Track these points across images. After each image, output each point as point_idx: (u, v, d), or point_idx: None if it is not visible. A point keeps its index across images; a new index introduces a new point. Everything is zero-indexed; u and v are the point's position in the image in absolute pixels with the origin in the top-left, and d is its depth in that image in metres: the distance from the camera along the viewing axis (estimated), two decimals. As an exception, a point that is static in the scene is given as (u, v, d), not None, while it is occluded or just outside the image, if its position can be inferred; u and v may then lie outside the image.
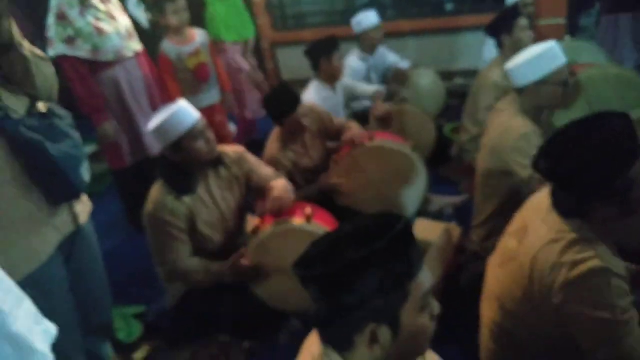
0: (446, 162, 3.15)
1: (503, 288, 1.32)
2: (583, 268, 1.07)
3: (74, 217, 1.54)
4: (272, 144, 2.41)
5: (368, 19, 3.30)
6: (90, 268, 1.67)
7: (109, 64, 2.54)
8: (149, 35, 2.82)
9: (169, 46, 2.94)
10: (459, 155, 3.12)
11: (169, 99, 2.91)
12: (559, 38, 3.43)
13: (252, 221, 2.24)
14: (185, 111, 1.81)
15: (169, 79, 2.95)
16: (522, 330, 1.28)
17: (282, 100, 2.30)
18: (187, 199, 1.86)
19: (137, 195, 2.80)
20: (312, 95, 2.81)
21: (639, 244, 1.32)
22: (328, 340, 0.88)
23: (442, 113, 3.64)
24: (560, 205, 1.18)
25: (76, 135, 1.49)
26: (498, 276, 1.36)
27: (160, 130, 1.78)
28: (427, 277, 0.86)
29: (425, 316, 0.86)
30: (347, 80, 3.08)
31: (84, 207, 1.61)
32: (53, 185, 1.42)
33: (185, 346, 1.99)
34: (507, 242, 1.36)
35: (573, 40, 3.23)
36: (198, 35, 3.05)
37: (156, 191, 1.87)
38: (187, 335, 2.02)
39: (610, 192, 1.08)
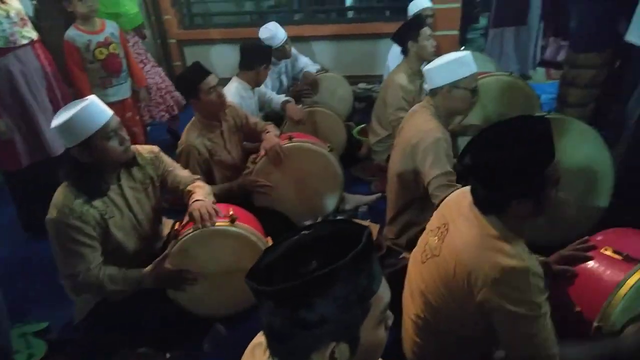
0: (356, 162, 3.29)
1: (427, 284, 1.39)
2: (504, 266, 1.15)
3: None
4: (188, 132, 2.36)
5: (277, 36, 3.32)
6: None
7: (-2, 52, 2.27)
8: (34, 26, 2.56)
9: (76, 33, 2.74)
10: (368, 156, 3.28)
11: (76, 92, 2.71)
12: (454, 48, 3.77)
13: (167, 224, 2.17)
14: (96, 107, 1.66)
15: (77, 69, 2.73)
16: (446, 324, 1.36)
17: (193, 72, 2.32)
18: (97, 203, 1.72)
19: (33, 199, 2.58)
20: (232, 92, 2.80)
21: (546, 240, 1.49)
22: (279, 354, 0.83)
23: (350, 115, 3.81)
24: (480, 202, 1.27)
25: None
26: (421, 272, 1.43)
27: (67, 127, 1.60)
28: (386, 290, 0.83)
29: (382, 329, 0.84)
30: (261, 86, 3.10)
31: None
32: None
33: (98, 361, 1.85)
34: (428, 239, 1.43)
35: (466, 51, 3.55)
36: (108, 25, 2.88)
37: (61, 195, 1.69)
38: (100, 350, 1.87)
39: (527, 190, 1.19)
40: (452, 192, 1.55)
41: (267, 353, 0.87)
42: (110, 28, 2.89)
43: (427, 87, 2.14)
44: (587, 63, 2.65)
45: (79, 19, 2.75)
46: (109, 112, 1.70)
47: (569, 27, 2.81)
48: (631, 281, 1.27)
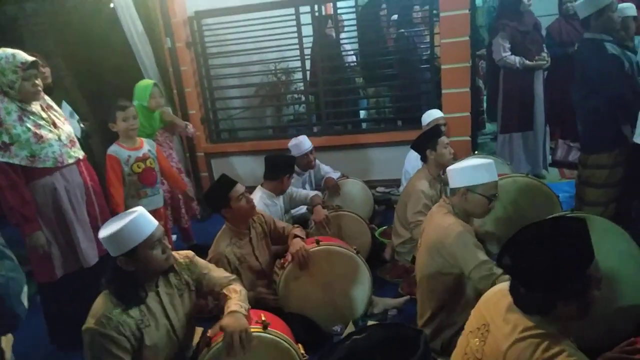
0: (381, 264, 3.30)
1: None
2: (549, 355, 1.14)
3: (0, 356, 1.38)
4: (219, 241, 2.45)
5: (304, 144, 3.66)
6: None
7: (46, 171, 2.46)
8: (81, 145, 2.82)
9: (118, 149, 3.00)
10: (392, 257, 3.29)
11: (109, 199, 2.90)
12: (467, 152, 3.97)
13: (198, 332, 2.16)
14: (144, 218, 1.77)
15: (115, 179, 2.95)
16: None
17: (222, 183, 2.48)
18: (134, 312, 1.76)
19: (62, 311, 2.60)
20: (257, 201, 2.92)
21: (586, 342, 1.45)
22: None
23: (371, 218, 3.90)
24: (522, 302, 1.28)
25: (11, 254, 1.34)
26: None
27: (116, 236, 1.70)
28: None
29: None
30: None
31: (7, 341, 1.45)
32: None
33: None
34: (469, 340, 1.41)
35: (480, 155, 3.74)
36: (146, 143, 3.15)
37: (101, 303, 1.74)
38: None
39: (570, 291, 1.20)
40: (494, 283, 1.54)
41: None
42: (148, 146, 3.15)
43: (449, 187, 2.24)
44: (598, 163, 2.76)
45: (121, 137, 3.03)
46: (155, 223, 1.81)
47: (576, 130, 2.97)
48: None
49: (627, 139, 2.61)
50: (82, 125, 3.20)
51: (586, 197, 2.91)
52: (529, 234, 1.28)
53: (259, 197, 3.01)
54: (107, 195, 2.90)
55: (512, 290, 1.31)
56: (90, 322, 1.70)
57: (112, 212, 2.79)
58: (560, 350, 1.16)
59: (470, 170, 2.06)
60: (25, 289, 1.33)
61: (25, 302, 1.32)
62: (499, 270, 1.82)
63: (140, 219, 1.76)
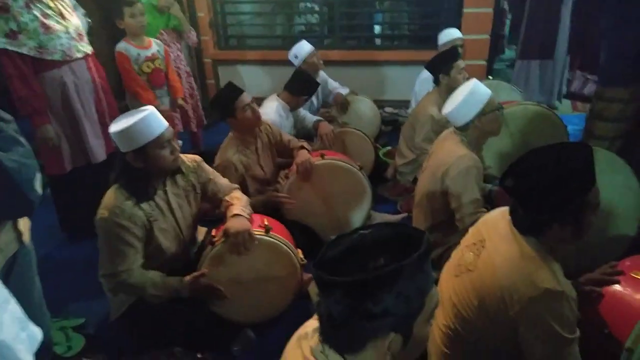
0: (382, 182, 3.36)
1: (460, 297, 1.42)
2: (541, 286, 1.19)
3: (18, 236, 1.42)
4: (226, 148, 2.46)
5: (302, 48, 3.51)
6: (28, 285, 1.54)
7: (55, 64, 2.42)
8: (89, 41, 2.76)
9: (126, 46, 2.94)
10: (394, 177, 3.34)
11: (134, 93, 2.93)
12: (481, 77, 3.86)
13: (201, 231, 2.25)
14: (154, 117, 1.78)
15: (133, 73, 2.93)
16: (476, 335, 1.39)
17: (228, 92, 2.44)
18: (145, 206, 1.82)
19: (73, 203, 2.70)
20: (273, 110, 2.94)
21: (575, 266, 1.51)
22: (333, 340, 0.89)
23: (377, 137, 3.90)
24: (520, 223, 1.31)
25: (25, 141, 1.35)
26: (454, 285, 1.47)
27: (127, 133, 1.72)
28: (436, 290, 0.92)
29: (429, 325, 0.93)
30: None
31: (25, 223, 1.47)
32: (5, 200, 1.26)
33: (132, 359, 1.91)
34: (464, 254, 1.48)
35: (493, 81, 3.65)
36: (154, 43, 3.08)
37: (112, 196, 1.80)
38: (134, 348, 1.94)
39: (568, 214, 1.23)
40: (479, 217, 1.60)
41: (315, 340, 0.93)
42: (156, 46, 3.08)
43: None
44: (614, 97, 2.69)
45: (129, 35, 2.95)
46: (165, 123, 1.82)
47: (598, 61, 2.87)
48: (661, 304, 1.30)
49: (647, 74, 2.53)
50: (88, 19, 3.08)
51: (596, 131, 2.87)
52: (534, 157, 1.30)
53: (275, 106, 2.98)
54: (132, 94, 2.89)
55: (512, 211, 1.35)
56: (104, 213, 1.77)
57: None
58: (549, 277, 1.21)
59: (467, 101, 2.04)
60: (39, 176, 1.36)
61: (39, 189, 1.35)
62: (485, 211, 1.87)
63: (152, 117, 1.77)
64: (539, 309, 1.20)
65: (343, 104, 3.71)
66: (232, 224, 1.87)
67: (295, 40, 3.68)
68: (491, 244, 1.37)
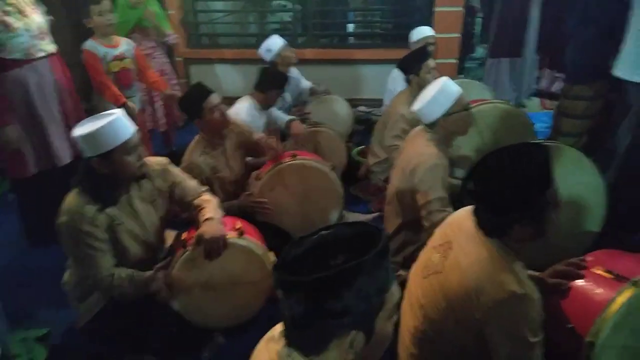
0: (355, 182, 3.37)
1: (427, 298, 1.43)
2: (506, 290, 1.21)
3: None
4: (192, 150, 2.42)
5: (276, 42, 3.48)
6: None
7: (16, 63, 2.34)
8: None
9: (94, 45, 2.87)
10: (366, 176, 3.35)
11: (105, 93, 2.86)
12: (452, 76, 3.90)
13: (169, 235, 2.21)
14: (122, 122, 1.72)
15: (101, 72, 2.85)
16: (443, 338, 1.41)
17: (196, 92, 2.40)
18: (108, 210, 1.78)
19: (37, 208, 2.62)
20: (245, 109, 2.90)
21: (541, 263, 1.55)
22: (297, 342, 0.90)
23: (350, 137, 3.91)
24: (483, 224, 1.33)
25: None
26: (422, 286, 1.48)
27: (92, 137, 1.66)
28: (397, 287, 0.93)
29: (391, 322, 0.93)
30: None
31: None
32: None
33: (99, 367, 1.87)
34: (431, 255, 1.48)
35: (464, 79, 3.70)
36: (123, 42, 3.01)
37: (72, 201, 1.74)
38: (102, 356, 1.90)
39: (528, 214, 1.25)
40: (445, 216, 1.61)
41: (282, 343, 0.92)
42: (125, 45, 3.01)
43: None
44: (580, 94, 2.77)
45: (97, 33, 2.87)
46: (132, 128, 1.77)
47: (565, 60, 2.94)
48: (622, 299, 1.32)
49: (610, 72, 2.60)
50: (50, 18, 2.99)
51: (563, 128, 2.95)
52: (492, 159, 1.31)
53: (247, 106, 2.95)
54: (99, 93, 2.82)
55: (475, 212, 1.37)
56: (63, 218, 1.72)
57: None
58: (513, 280, 1.22)
59: (436, 99, 2.07)
60: None
61: None
62: (450, 210, 1.89)
63: (119, 122, 1.71)
64: (504, 312, 1.22)
65: (324, 91, 3.71)
66: (207, 229, 1.83)
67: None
68: (457, 246, 1.38)
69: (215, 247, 1.81)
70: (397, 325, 1.56)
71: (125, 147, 1.72)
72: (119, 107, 2.75)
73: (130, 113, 2.87)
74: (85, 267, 1.75)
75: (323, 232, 0.92)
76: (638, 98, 2.28)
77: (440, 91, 2.07)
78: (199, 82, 2.46)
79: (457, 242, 1.39)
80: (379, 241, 0.87)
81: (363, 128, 4.24)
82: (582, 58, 2.72)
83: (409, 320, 1.54)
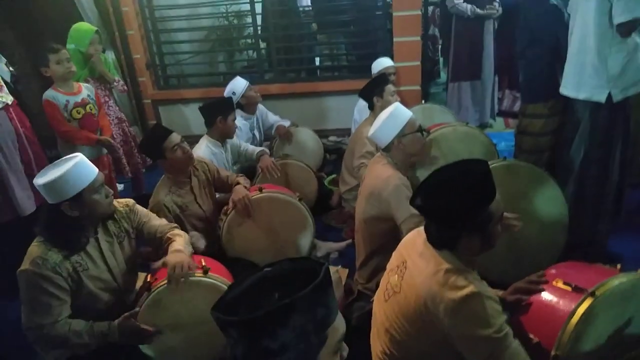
0: (328, 210, 3.38)
1: (391, 321, 1.44)
2: (461, 294, 1.24)
3: None
4: (158, 190, 2.41)
5: (239, 84, 3.54)
6: None
7: (-27, 117, 2.33)
8: (11, 90, 2.67)
9: (54, 94, 2.86)
10: (339, 204, 3.38)
11: (73, 136, 2.85)
12: (417, 102, 4.01)
13: (141, 277, 2.17)
14: (85, 163, 1.76)
15: (62, 122, 2.84)
16: (412, 357, 1.41)
17: (155, 134, 2.41)
18: (73, 257, 1.76)
19: (2, 259, 2.54)
20: (203, 149, 2.89)
21: (513, 277, 1.58)
22: None
23: (322, 167, 3.94)
24: (433, 238, 1.38)
25: None
26: (385, 310, 1.49)
27: (60, 182, 1.67)
28: (341, 322, 0.91)
29: (337, 358, 0.91)
30: (234, 139, 3.21)
31: None
32: None
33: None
34: (389, 278, 1.51)
35: (427, 104, 3.80)
36: (84, 88, 3.03)
37: (36, 248, 1.73)
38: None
39: (473, 226, 1.30)
40: None
41: None
42: (87, 90, 3.02)
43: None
44: (535, 112, 2.87)
45: (57, 82, 2.87)
46: (95, 169, 1.80)
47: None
48: (581, 310, 1.35)
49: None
50: (10, 69, 2.99)
51: (523, 146, 3.04)
52: (438, 176, 1.37)
53: (204, 145, 2.96)
54: (64, 140, 2.80)
55: (426, 228, 1.41)
56: (25, 264, 1.70)
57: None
58: (465, 283, 1.26)
59: (387, 123, 2.14)
60: None
61: None
62: None
63: (83, 164, 1.75)
64: (463, 314, 1.24)
65: (286, 135, 3.74)
66: (171, 258, 1.82)
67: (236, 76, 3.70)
68: (411, 263, 1.41)
69: (178, 274, 1.78)
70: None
71: (93, 187, 1.76)
72: (95, 145, 2.75)
73: (107, 145, 2.87)
74: (41, 316, 1.70)
75: (266, 269, 0.91)
76: (585, 114, 2.37)
77: (391, 116, 2.14)
78: (157, 124, 2.49)
79: (410, 260, 1.42)
80: (318, 275, 0.85)
81: (335, 158, 4.29)
82: (532, 78, 2.83)
83: (377, 345, 1.54)
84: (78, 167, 1.72)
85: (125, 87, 3.72)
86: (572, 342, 1.34)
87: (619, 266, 1.53)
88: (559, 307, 1.41)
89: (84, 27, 3.37)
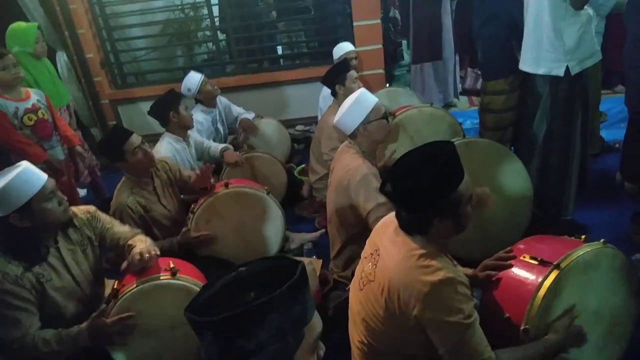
0: (299, 201, 3.35)
1: (366, 309, 1.44)
2: (432, 281, 1.24)
3: None
4: (119, 192, 2.34)
5: (193, 79, 3.45)
6: None
7: None
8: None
9: (2, 102, 2.72)
10: (310, 194, 3.35)
11: (24, 150, 2.72)
12: (381, 85, 4.00)
13: (109, 285, 2.10)
14: (30, 171, 1.68)
15: (12, 131, 2.70)
16: (389, 345, 1.40)
17: (114, 136, 2.34)
18: (34, 269, 1.70)
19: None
20: (165, 147, 2.82)
21: (481, 255, 1.60)
22: None
23: (290, 157, 3.90)
24: (404, 224, 1.37)
25: None
26: (360, 299, 1.48)
27: (3, 194, 1.60)
28: (318, 321, 0.89)
29: (314, 357, 0.89)
30: (197, 135, 3.13)
31: None
32: None
33: None
34: (363, 266, 1.50)
35: (391, 88, 3.80)
36: (33, 92, 2.89)
37: None
38: None
39: (444, 209, 1.29)
40: None
41: None
42: (36, 95, 2.89)
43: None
44: (496, 89, 2.89)
45: (3, 89, 2.73)
46: (44, 175, 1.72)
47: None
48: (547, 283, 1.37)
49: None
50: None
51: (487, 123, 3.07)
52: (405, 161, 1.36)
53: (166, 142, 2.87)
54: (16, 153, 2.69)
55: (397, 215, 1.40)
56: None
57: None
58: (438, 268, 1.26)
59: (352, 109, 2.12)
60: None
61: None
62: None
63: (28, 172, 1.67)
64: (434, 302, 1.24)
65: (250, 128, 3.68)
66: (134, 251, 1.79)
67: (196, 70, 3.61)
68: (384, 250, 1.40)
69: (145, 260, 1.76)
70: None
71: (43, 195, 1.68)
72: (43, 164, 2.64)
73: (53, 167, 2.76)
74: (9, 331, 1.64)
75: (241, 268, 0.88)
76: (545, 88, 2.41)
77: (356, 102, 2.12)
78: (116, 125, 2.41)
79: (383, 247, 1.41)
80: (294, 273, 0.83)
81: (303, 147, 4.25)
82: (490, 55, 2.85)
83: (355, 335, 1.53)
84: (22, 175, 1.64)
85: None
86: (540, 315, 1.37)
87: (583, 237, 1.55)
88: (527, 281, 1.43)
89: (23, 26, 3.22)
